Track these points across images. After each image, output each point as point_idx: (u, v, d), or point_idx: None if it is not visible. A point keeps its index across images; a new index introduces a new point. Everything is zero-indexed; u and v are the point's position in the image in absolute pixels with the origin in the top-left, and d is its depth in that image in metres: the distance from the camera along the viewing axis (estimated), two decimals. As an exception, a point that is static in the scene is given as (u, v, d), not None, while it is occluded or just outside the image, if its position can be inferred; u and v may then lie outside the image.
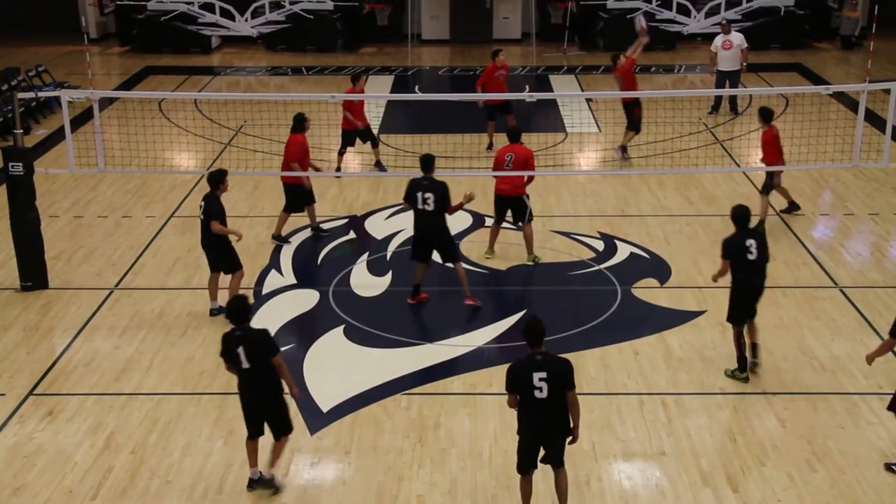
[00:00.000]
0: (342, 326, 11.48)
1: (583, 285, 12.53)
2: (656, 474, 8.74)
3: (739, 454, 8.96)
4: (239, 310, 8.30)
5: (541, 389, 7.55)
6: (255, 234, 14.01)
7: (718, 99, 20.21)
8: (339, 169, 16.45)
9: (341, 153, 16.50)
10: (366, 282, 12.69)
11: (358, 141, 16.45)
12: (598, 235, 14.02)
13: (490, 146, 17.49)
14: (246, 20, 28.44)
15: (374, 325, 11.46)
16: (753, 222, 10.88)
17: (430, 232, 11.56)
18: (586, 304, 11.94)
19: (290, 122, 13.74)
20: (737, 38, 20.07)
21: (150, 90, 23.01)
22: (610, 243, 13.70)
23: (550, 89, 23.40)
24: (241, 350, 8.14)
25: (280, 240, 13.80)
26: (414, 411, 9.74)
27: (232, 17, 28.25)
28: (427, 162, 11.57)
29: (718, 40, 20.23)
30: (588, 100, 20.74)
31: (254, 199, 15.58)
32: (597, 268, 13.00)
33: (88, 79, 19.78)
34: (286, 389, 8.40)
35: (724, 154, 17.68)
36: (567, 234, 14.07)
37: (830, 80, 22.79)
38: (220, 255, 11.59)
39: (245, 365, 8.16)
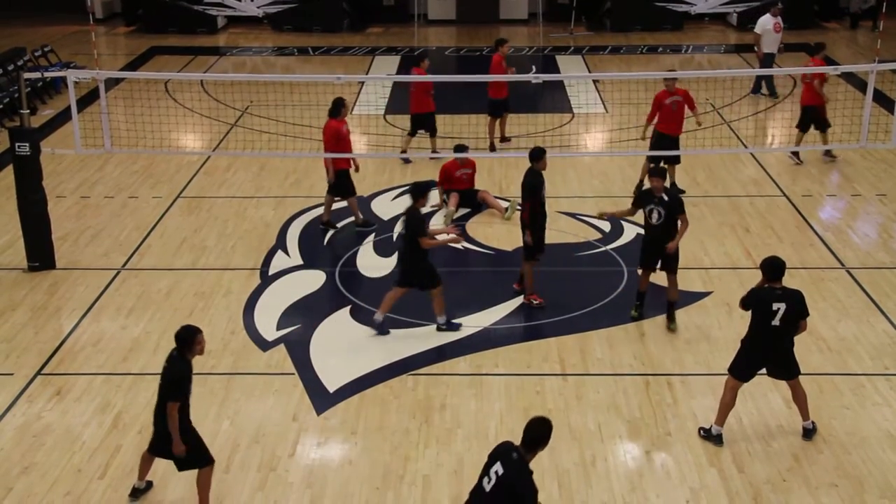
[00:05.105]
0: (348, 307, 11.49)
1: (589, 266, 12.52)
2: (662, 455, 8.76)
3: (745, 435, 8.97)
4: (181, 338, 7.75)
5: None
6: (261, 215, 14.02)
7: (758, 79, 20.00)
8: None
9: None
10: (372, 263, 12.70)
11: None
12: (605, 216, 13.97)
13: (492, 147, 16.68)
14: (252, 0, 28.38)
15: (381, 305, 11.46)
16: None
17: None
18: (593, 285, 11.94)
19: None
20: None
21: (155, 70, 22.97)
22: (616, 224, 13.67)
23: (557, 70, 23.29)
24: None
25: (328, 225, 13.56)
26: (420, 392, 9.76)
27: (238, -3, 28.21)
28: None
29: (768, 22, 19.52)
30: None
31: (260, 180, 15.58)
32: (603, 249, 13.00)
33: (94, 59, 19.71)
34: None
35: (731, 135, 17.62)
36: (573, 215, 14.04)
37: (839, 60, 22.66)
38: None
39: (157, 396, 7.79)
